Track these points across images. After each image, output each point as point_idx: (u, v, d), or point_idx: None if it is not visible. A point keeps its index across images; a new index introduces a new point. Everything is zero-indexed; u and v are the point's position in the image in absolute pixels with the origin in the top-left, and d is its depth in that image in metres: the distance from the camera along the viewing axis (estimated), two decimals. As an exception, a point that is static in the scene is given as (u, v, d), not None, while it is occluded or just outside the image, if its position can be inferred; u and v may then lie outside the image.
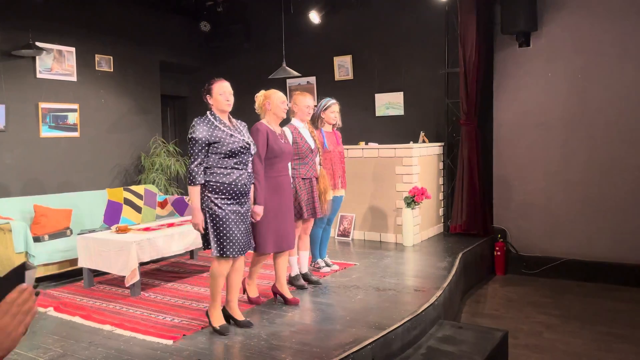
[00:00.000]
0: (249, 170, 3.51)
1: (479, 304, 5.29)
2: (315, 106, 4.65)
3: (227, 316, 3.60)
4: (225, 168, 3.38)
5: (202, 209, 3.37)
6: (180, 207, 6.21)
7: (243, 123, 3.63)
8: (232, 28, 8.33)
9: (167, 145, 7.56)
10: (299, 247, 4.51)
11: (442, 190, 6.83)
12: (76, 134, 6.64)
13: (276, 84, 7.86)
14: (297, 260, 4.51)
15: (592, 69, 5.90)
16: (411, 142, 6.53)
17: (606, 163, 5.86)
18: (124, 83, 7.28)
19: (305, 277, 4.54)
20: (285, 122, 4.28)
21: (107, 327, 3.65)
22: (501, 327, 4.19)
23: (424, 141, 6.67)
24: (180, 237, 4.79)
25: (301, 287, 4.40)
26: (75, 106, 6.62)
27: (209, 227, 3.37)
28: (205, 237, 3.46)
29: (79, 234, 4.97)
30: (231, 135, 3.41)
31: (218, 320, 3.50)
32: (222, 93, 3.46)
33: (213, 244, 3.37)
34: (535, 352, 4.09)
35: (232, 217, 3.38)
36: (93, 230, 5.27)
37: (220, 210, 3.35)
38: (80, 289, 4.66)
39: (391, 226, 6.21)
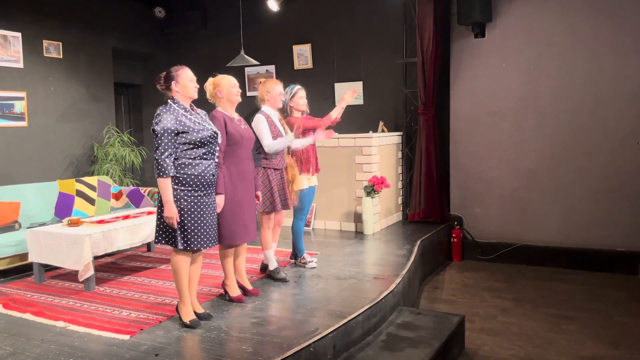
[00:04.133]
0: (216, 161, 3.43)
1: (437, 290, 5.41)
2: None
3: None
4: (194, 159, 3.28)
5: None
6: (136, 199, 6.05)
7: (203, 111, 3.53)
8: (188, 14, 8.13)
9: (121, 134, 7.34)
10: (272, 239, 4.43)
11: (401, 179, 6.93)
12: (24, 124, 6.36)
13: (234, 73, 7.73)
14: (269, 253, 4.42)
15: (543, 59, 6.08)
16: (370, 132, 6.57)
17: (556, 151, 6.08)
18: (74, 70, 6.99)
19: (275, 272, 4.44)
20: (252, 111, 4.22)
21: (60, 324, 3.53)
22: (458, 312, 4.32)
23: (383, 131, 6.73)
24: (136, 229, 4.66)
25: (282, 280, 4.32)
26: (22, 94, 6.32)
27: None
28: (164, 231, 3.35)
29: (28, 228, 4.77)
30: (199, 123, 3.32)
31: (188, 315, 3.43)
32: (192, 80, 3.37)
33: (179, 237, 3.27)
34: (490, 335, 4.23)
35: (200, 209, 3.31)
36: (43, 224, 5.08)
37: (186, 203, 3.26)
38: (31, 285, 4.48)
39: (351, 215, 6.25)
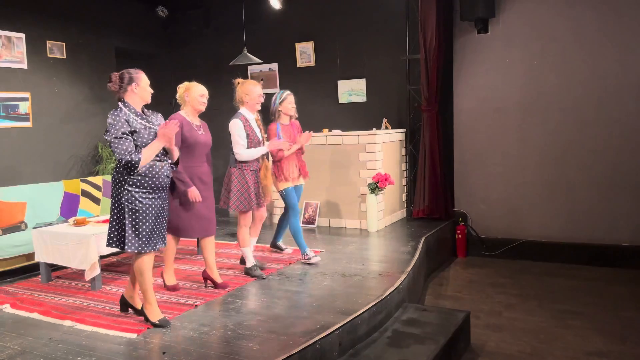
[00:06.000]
0: (169, 161, 3.47)
1: (442, 286, 5.41)
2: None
3: (126, 304, 3.64)
4: None
5: (121, 203, 3.31)
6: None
7: (158, 114, 3.57)
8: (191, 13, 8.14)
9: (125, 134, 7.35)
10: (250, 234, 4.60)
11: (405, 175, 6.92)
12: (28, 124, 6.38)
13: (237, 71, 7.75)
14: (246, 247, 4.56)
15: (547, 55, 6.06)
16: (374, 129, 6.57)
17: (560, 147, 6.06)
18: (77, 70, 7.01)
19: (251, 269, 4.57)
20: (230, 112, 4.32)
21: (68, 323, 3.55)
22: (463, 308, 4.31)
23: (386, 128, 6.73)
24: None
25: (260, 277, 4.38)
26: (27, 95, 6.34)
27: (127, 222, 3.29)
28: (116, 234, 3.38)
29: (34, 228, 4.79)
30: (148, 127, 3.35)
31: (156, 315, 3.46)
32: (149, 84, 3.43)
33: (132, 240, 3.29)
34: (495, 331, 4.23)
35: (152, 211, 3.34)
36: (49, 224, 5.10)
37: (140, 205, 3.28)
38: (37, 285, 4.51)
39: (355, 212, 6.25)
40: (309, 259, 4.78)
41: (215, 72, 7.98)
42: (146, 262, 3.39)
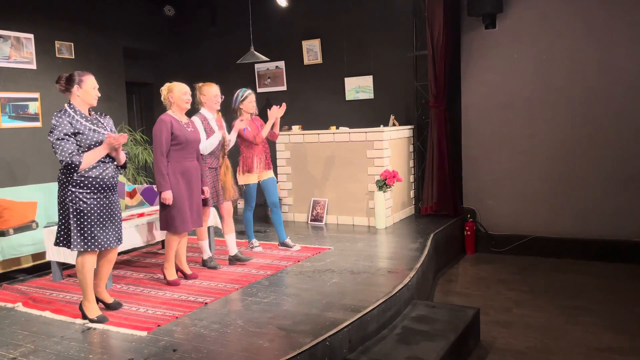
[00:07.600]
0: (115, 163, 3.51)
1: (451, 283, 5.40)
2: (217, 95, 4.67)
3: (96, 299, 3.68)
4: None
5: (66, 204, 3.36)
6: (150, 197, 6.11)
7: (107, 116, 3.62)
8: (198, 12, 8.16)
9: (134, 133, 7.40)
10: (224, 230, 4.82)
11: (413, 172, 6.91)
12: (38, 124, 6.43)
13: (244, 69, 7.78)
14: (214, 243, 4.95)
15: (555, 50, 6.02)
16: (382, 126, 6.56)
17: (569, 142, 6.03)
18: (86, 70, 6.99)
19: (236, 257, 4.81)
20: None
21: (79, 321, 3.58)
22: (472, 305, 4.31)
23: (394, 124, 6.72)
24: (151, 227, 4.72)
25: (214, 268, 4.67)
26: (36, 95, 6.39)
27: (72, 222, 3.35)
28: (64, 234, 3.44)
29: (45, 227, 4.83)
30: (93, 130, 3.39)
31: (93, 312, 3.53)
32: (95, 87, 3.48)
33: (76, 239, 3.36)
34: (505, 328, 4.22)
35: (97, 210, 3.39)
36: (60, 223, 5.14)
37: (84, 205, 3.34)
38: (49, 283, 4.55)
39: (363, 210, 6.26)
40: (252, 247, 5.22)
41: (222, 71, 8.00)
42: (89, 262, 3.47)
